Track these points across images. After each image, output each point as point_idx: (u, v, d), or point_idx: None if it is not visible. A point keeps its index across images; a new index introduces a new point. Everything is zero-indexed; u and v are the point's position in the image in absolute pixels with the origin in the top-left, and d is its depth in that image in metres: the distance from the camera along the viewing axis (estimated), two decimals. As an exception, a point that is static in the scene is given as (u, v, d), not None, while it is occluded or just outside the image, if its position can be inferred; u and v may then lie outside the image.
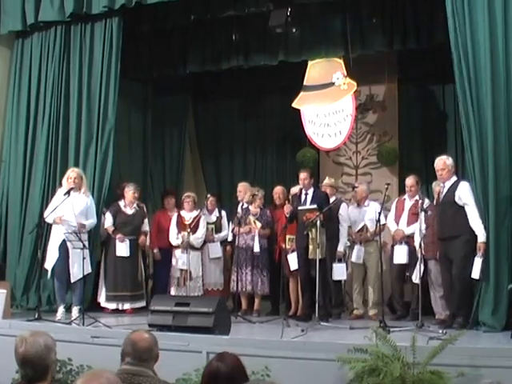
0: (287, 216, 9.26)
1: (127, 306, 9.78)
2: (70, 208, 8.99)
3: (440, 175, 8.22)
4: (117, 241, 9.72)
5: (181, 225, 10.05)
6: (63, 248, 8.96)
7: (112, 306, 9.75)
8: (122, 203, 10.00)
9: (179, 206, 10.49)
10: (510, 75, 7.60)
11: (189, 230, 9.82)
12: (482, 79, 7.72)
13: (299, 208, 9.02)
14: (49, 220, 9.11)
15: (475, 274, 7.64)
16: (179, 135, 13.02)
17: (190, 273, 9.73)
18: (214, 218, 10.38)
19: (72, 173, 9.24)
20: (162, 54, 11.34)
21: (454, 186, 8.06)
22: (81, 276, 8.88)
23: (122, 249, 9.71)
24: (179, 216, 10.20)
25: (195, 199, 10.32)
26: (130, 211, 9.98)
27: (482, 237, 7.67)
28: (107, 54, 10.02)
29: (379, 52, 10.32)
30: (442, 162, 8.19)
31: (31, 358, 3.64)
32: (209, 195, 10.74)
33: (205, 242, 10.13)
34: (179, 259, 9.87)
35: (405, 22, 9.73)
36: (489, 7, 7.69)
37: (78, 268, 8.86)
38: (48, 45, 10.45)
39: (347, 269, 9.41)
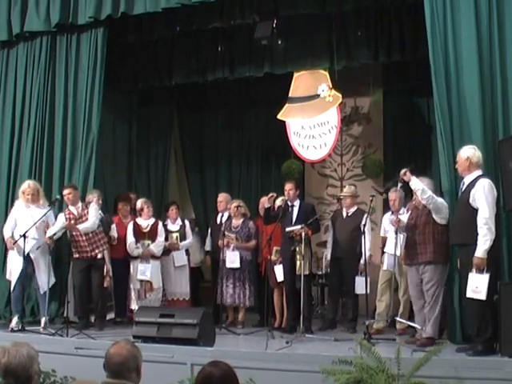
0: (264, 212, 9.26)
1: None
2: (31, 221, 8.93)
3: (456, 169, 7.32)
4: None
5: (138, 233, 9.75)
6: (27, 260, 8.90)
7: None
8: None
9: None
10: (494, 87, 7.64)
11: (147, 238, 9.68)
12: (466, 92, 7.76)
13: (287, 229, 8.98)
14: (7, 235, 9.11)
15: (468, 292, 6.81)
16: (164, 147, 13.01)
17: (151, 284, 9.49)
18: (177, 226, 10.19)
19: (28, 189, 9.16)
20: (147, 65, 11.34)
21: (472, 184, 7.02)
22: (48, 287, 8.92)
23: None
24: (135, 224, 9.85)
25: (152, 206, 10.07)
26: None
27: (479, 250, 6.75)
28: (92, 65, 10.01)
29: (364, 64, 10.37)
30: (458, 154, 7.25)
31: (14, 368, 3.61)
32: (171, 205, 10.43)
33: (169, 251, 9.93)
34: (140, 270, 9.49)
35: (390, 34, 9.81)
36: (475, 15, 7.75)
37: (45, 279, 8.95)
38: (34, 55, 10.42)
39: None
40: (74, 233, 9.17)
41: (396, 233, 8.24)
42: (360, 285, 8.74)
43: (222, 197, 10.62)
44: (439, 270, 7.69)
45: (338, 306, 9.75)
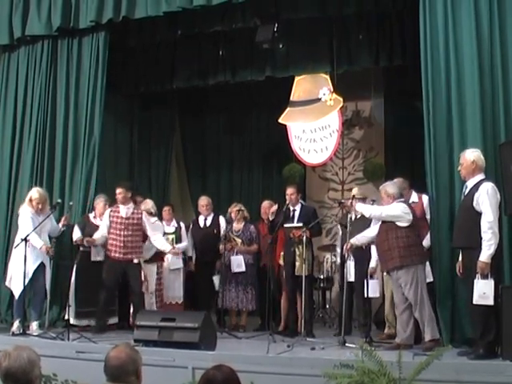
0: (270, 220, 9.21)
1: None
2: (44, 230, 8.97)
3: (459, 171, 7.21)
4: (91, 247, 9.33)
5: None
6: (39, 268, 8.87)
7: (83, 322, 9.27)
8: (91, 215, 9.63)
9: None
10: (495, 90, 7.65)
11: None
12: (467, 96, 7.77)
13: (285, 226, 8.98)
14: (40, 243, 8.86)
15: (475, 298, 6.67)
16: (166, 150, 13.03)
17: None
18: (172, 228, 10.08)
19: (38, 197, 8.99)
20: (148, 69, 11.37)
21: (475, 188, 6.87)
22: (45, 290, 8.98)
23: (95, 253, 9.39)
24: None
25: (153, 210, 9.77)
26: (100, 222, 9.47)
27: (483, 255, 6.64)
28: (94, 69, 10.02)
29: (365, 68, 10.38)
30: (462, 157, 7.12)
31: (14, 372, 3.60)
32: (165, 206, 10.34)
33: (164, 254, 9.60)
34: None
35: (391, 38, 9.83)
36: (476, 17, 7.76)
37: (48, 284, 9.04)
38: (35, 59, 10.42)
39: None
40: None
41: (346, 260, 8.37)
42: (373, 288, 8.46)
43: (207, 200, 10.41)
44: (412, 272, 7.52)
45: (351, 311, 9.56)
